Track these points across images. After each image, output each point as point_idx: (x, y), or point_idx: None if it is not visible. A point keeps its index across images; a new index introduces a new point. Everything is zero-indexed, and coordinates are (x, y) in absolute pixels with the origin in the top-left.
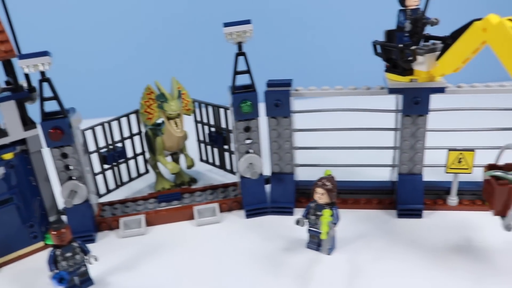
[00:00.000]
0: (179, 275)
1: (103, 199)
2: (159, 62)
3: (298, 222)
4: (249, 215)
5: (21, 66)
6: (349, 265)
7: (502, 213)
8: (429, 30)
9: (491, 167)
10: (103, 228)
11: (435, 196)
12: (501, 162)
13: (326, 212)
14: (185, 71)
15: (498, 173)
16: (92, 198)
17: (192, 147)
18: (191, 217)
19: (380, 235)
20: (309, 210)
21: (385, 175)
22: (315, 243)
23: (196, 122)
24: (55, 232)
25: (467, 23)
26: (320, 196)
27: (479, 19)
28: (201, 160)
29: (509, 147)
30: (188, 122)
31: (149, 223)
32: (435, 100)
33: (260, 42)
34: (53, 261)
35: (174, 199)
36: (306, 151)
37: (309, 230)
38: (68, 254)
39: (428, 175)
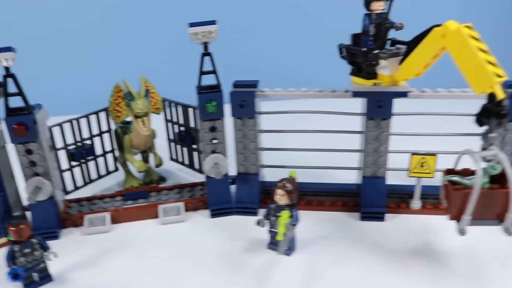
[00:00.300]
0: (140, 272)
1: (71, 196)
2: (132, 60)
3: (258, 223)
4: (214, 214)
5: None
6: (307, 267)
7: (457, 218)
8: (396, 34)
9: (449, 172)
10: (68, 225)
11: (399, 199)
12: (460, 167)
13: (285, 214)
14: (158, 70)
15: (455, 178)
16: (57, 194)
17: (162, 145)
18: (156, 215)
19: (342, 238)
20: (270, 211)
21: (352, 177)
22: (276, 244)
23: (166, 121)
24: (13, 228)
25: (427, 28)
26: (280, 197)
27: (438, 25)
28: (171, 159)
29: (466, 152)
30: (158, 121)
31: (114, 220)
32: (399, 104)
33: (229, 43)
34: (11, 257)
35: (141, 197)
36: (273, 152)
37: (270, 231)
38: (27, 250)
39: (393, 179)
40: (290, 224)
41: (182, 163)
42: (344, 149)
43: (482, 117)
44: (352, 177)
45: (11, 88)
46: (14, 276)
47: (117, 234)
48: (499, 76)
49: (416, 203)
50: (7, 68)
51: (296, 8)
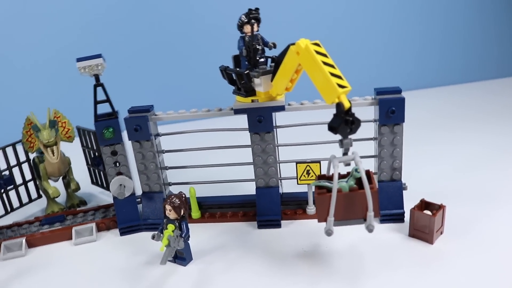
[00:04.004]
0: None
1: None
2: (47, 91)
3: (153, 237)
4: (123, 232)
5: None
6: (200, 275)
7: (324, 220)
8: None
9: (320, 177)
10: None
11: (296, 206)
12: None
13: (170, 227)
14: (75, 99)
15: (321, 182)
16: None
17: (84, 170)
18: (70, 237)
19: (237, 246)
20: (163, 226)
21: (252, 189)
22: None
23: (83, 147)
24: None
25: (286, 47)
26: (169, 212)
27: (293, 44)
28: (92, 182)
29: (331, 158)
30: (75, 148)
31: (31, 245)
32: (284, 117)
33: (131, 70)
34: None
35: (57, 221)
36: (180, 170)
37: None
38: None
39: (290, 187)
40: (175, 237)
41: (102, 186)
42: (240, 162)
43: (333, 126)
44: (252, 188)
45: None
46: None
47: (32, 258)
48: (344, 87)
49: (310, 209)
50: None
51: (185, 37)
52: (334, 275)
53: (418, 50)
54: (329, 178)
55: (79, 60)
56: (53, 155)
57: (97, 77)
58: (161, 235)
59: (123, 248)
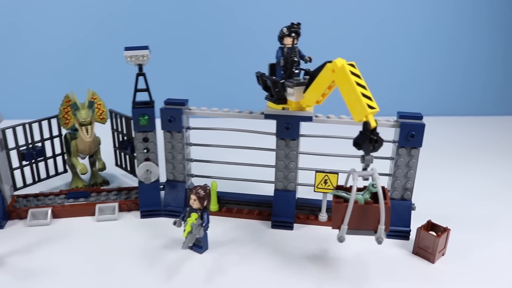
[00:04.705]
0: (70, 260)
1: (20, 192)
2: (86, 73)
3: (174, 223)
4: (144, 215)
5: None
6: (213, 264)
7: (338, 227)
8: (310, 66)
9: (338, 188)
10: (13, 217)
11: (309, 211)
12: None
13: (193, 215)
14: (111, 83)
15: (339, 192)
16: (5, 189)
17: (109, 152)
18: (93, 213)
19: (251, 241)
20: (185, 214)
21: (269, 190)
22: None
23: (113, 130)
24: None
25: (322, 63)
26: (193, 201)
27: (330, 61)
28: (116, 165)
29: (350, 172)
30: (106, 130)
31: (55, 215)
32: (309, 127)
33: (174, 64)
34: None
35: (82, 196)
36: (202, 163)
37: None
38: None
39: (306, 193)
40: (197, 225)
41: (125, 169)
42: (262, 164)
43: (358, 142)
44: (270, 190)
45: None
46: None
47: (56, 228)
48: (372, 108)
49: (323, 216)
50: None
51: (226, 38)
52: (339, 280)
53: (440, 78)
54: (347, 189)
55: (127, 49)
56: (87, 134)
57: (140, 67)
58: (182, 222)
59: (142, 230)
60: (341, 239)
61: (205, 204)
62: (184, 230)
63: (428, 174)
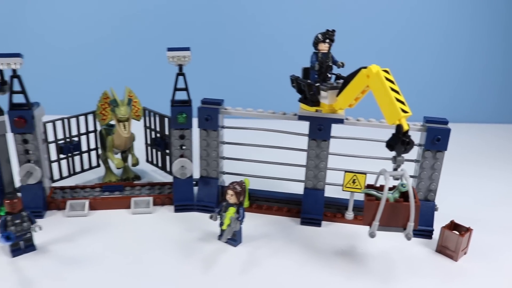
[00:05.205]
0: (109, 249)
1: (56, 184)
2: (121, 71)
3: (211, 217)
4: (177, 209)
5: None
6: (248, 256)
7: (369, 224)
8: (340, 70)
9: (369, 186)
10: (52, 208)
11: (336, 210)
12: (379, 184)
13: (231, 209)
14: (142, 82)
15: (371, 191)
16: (45, 181)
17: (140, 148)
18: (128, 206)
19: (281, 237)
20: (222, 208)
21: (297, 188)
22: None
23: (145, 127)
24: (8, 201)
25: (357, 69)
26: (230, 196)
27: (365, 67)
28: (147, 161)
29: (382, 172)
30: (138, 126)
31: (92, 207)
32: (339, 129)
33: (214, 64)
34: (3, 225)
35: (117, 190)
36: (233, 161)
37: (221, 224)
38: (17, 221)
39: (333, 192)
40: (235, 219)
41: (156, 165)
42: (292, 163)
43: (391, 144)
44: (298, 188)
45: (16, 86)
46: (7, 237)
47: (93, 219)
48: (405, 112)
49: (349, 214)
50: (14, 70)
51: (261, 41)
52: (368, 274)
53: (456, 86)
54: (377, 188)
55: (169, 49)
56: (125, 130)
57: (181, 67)
58: (218, 216)
59: (177, 224)
60: (372, 235)
61: (241, 199)
62: (223, 223)
63: (445, 178)
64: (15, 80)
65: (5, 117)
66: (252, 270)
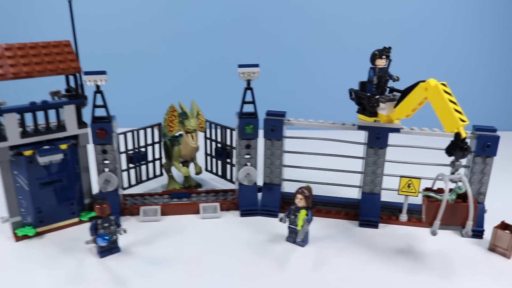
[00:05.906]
0: (185, 251)
1: (125, 192)
2: (182, 86)
3: (281, 220)
4: (243, 214)
5: (85, 80)
6: (316, 256)
7: (430, 223)
8: (394, 84)
9: (427, 189)
10: (126, 213)
11: (391, 213)
12: (436, 187)
13: (303, 212)
14: (204, 97)
15: (430, 193)
16: (119, 189)
17: (200, 158)
18: (197, 211)
19: (343, 237)
20: (290, 211)
21: (352, 194)
22: (293, 237)
23: (206, 138)
24: (99, 206)
25: (415, 83)
26: (299, 200)
27: (423, 81)
28: (206, 170)
29: (440, 175)
30: (199, 138)
31: (163, 213)
32: (394, 138)
33: (274, 79)
34: (94, 228)
35: (184, 197)
36: (293, 169)
37: (289, 227)
38: (106, 225)
39: (387, 196)
40: (306, 220)
41: (216, 174)
42: (349, 170)
43: (450, 150)
44: (353, 194)
45: (98, 101)
46: (105, 239)
47: (166, 223)
48: (463, 121)
49: (403, 217)
50: (98, 86)
51: (319, 58)
52: (428, 270)
53: (490, 95)
54: (434, 191)
55: (240, 66)
56: (193, 140)
57: (249, 82)
58: (287, 218)
59: (244, 227)
60: (434, 233)
61: (309, 202)
62: (297, 225)
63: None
64: (98, 95)
65: (88, 129)
66: (322, 268)
